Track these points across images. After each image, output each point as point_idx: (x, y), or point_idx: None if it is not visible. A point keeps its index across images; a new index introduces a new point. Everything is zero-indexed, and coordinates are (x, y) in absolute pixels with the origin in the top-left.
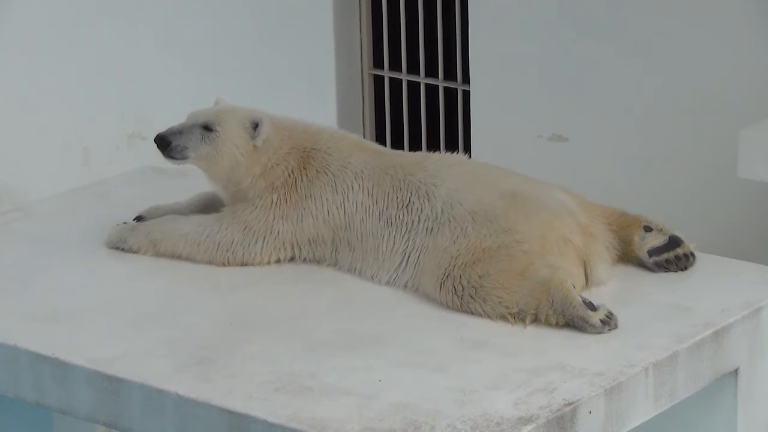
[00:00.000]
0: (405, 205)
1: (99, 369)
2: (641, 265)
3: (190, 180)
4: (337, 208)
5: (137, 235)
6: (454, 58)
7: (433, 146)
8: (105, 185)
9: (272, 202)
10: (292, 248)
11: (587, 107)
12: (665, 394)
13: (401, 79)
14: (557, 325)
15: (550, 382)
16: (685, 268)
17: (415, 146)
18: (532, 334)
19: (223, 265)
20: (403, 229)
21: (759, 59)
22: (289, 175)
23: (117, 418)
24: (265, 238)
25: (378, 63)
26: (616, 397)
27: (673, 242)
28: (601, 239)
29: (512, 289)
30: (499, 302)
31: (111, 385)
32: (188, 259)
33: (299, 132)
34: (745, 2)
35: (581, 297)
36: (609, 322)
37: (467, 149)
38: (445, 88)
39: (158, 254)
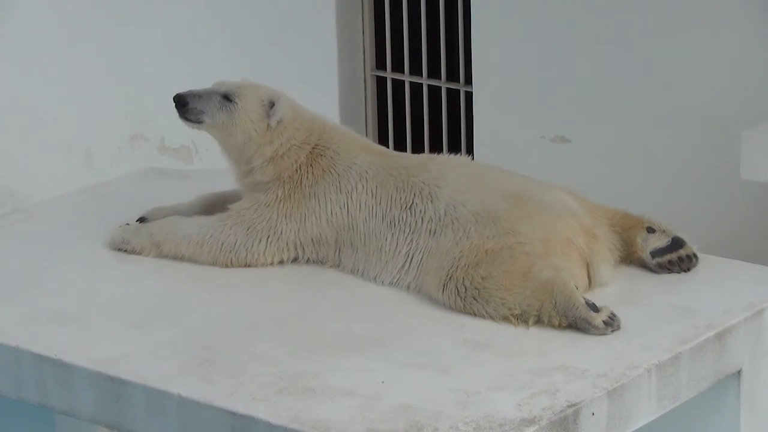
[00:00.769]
0: (408, 207)
1: (102, 370)
2: (644, 266)
3: (192, 181)
4: (340, 208)
5: (140, 237)
6: (456, 59)
7: (435, 147)
8: (108, 187)
9: (277, 198)
10: (296, 249)
11: (590, 108)
12: (668, 396)
13: (404, 81)
14: (560, 327)
15: (552, 384)
16: (688, 270)
17: (417, 147)
18: (534, 335)
19: (226, 266)
20: (407, 231)
21: (762, 61)
22: (296, 170)
23: (120, 420)
24: (268, 238)
25: (380, 64)
26: (619, 399)
27: (676, 243)
28: (604, 240)
29: (515, 291)
30: (502, 303)
31: (114, 387)
32: (191, 260)
33: (317, 127)
34: (748, 4)
35: (584, 298)
36: (612, 324)
37: (470, 150)
38: (448, 90)
39: (161, 255)
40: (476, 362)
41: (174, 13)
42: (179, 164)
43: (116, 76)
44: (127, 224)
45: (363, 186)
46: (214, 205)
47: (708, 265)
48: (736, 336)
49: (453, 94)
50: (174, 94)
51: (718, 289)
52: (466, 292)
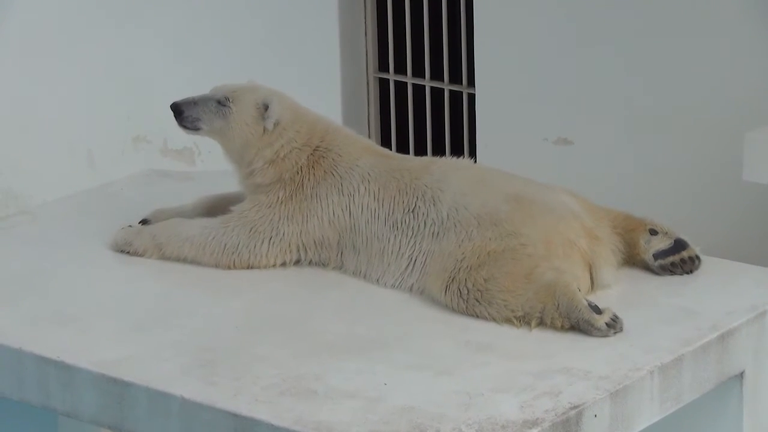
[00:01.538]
0: (411, 210)
1: (104, 372)
2: (646, 268)
3: (195, 183)
4: (342, 210)
5: (142, 239)
6: (459, 61)
7: (438, 149)
8: (110, 188)
9: (278, 199)
10: (298, 250)
11: (592, 110)
12: (671, 397)
13: (406, 83)
14: (562, 329)
15: (555, 386)
16: (691, 271)
17: (420, 149)
18: (537, 337)
19: (229, 268)
20: (409, 233)
21: (764, 62)
22: (297, 172)
23: (122, 421)
24: (270, 239)
25: (383, 66)
26: (622, 401)
27: (679, 245)
28: (606, 242)
29: (517, 293)
30: (505, 305)
31: (116, 388)
32: (194, 262)
33: (319, 129)
34: (750, 5)
35: (586, 300)
36: (614, 325)
37: (472, 152)
38: (451, 92)
39: (163, 257)
40: (479, 364)
41: (176, 14)
42: (182, 166)
43: (118, 77)
44: (130, 226)
45: (365, 188)
46: (217, 207)
47: (710, 266)
48: (738, 338)
49: (456, 96)
50: (171, 103)
51: (720, 291)
52: (469, 294)
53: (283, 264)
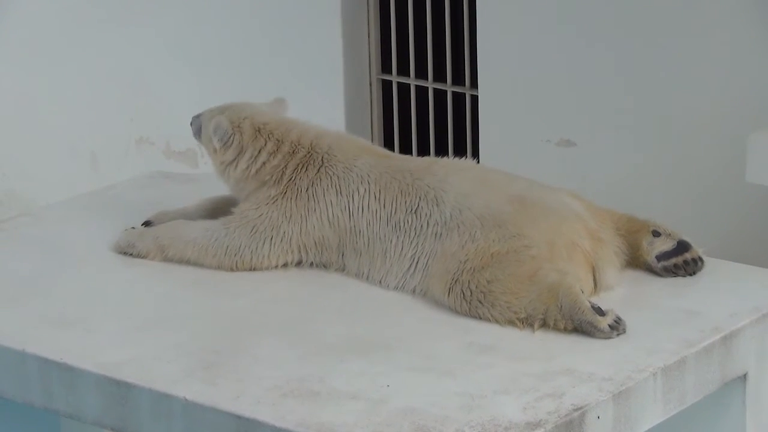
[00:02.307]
0: (414, 210)
1: (107, 374)
2: (649, 269)
3: (198, 185)
4: (342, 210)
5: (145, 240)
6: (462, 62)
7: (441, 151)
8: (113, 190)
9: (270, 197)
10: (299, 251)
11: (595, 112)
12: (674, 399)
13: (409, 84)
14: (565, 330)
15: (558, 387)
16: (694, 273)
17: (423, 151)
18: (540, 338)
19: (231, 269)
20: (412, 234)
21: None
22: (282, 174)
23: (125, 423)
24: (272, 239)
25: (386, 68)
26: (625, 402)
27: (682, 247)
28: (609, 244)
29: (521, 294)
30: (508, 307)
31: (119, 390)
32: (196, 263)
33: (295, 133)
34: (752, 7)
35: (589, 302)
36: (617, 327)
37: (475, 154)
38: (453, 93)
39: (166, 259)
40: (482, 366)
41: (179, 17)
42: (185, 168)
43: (122, 79)
44: (133, 228)
45: (365, 188)
46: (220, 209)
47: (714, 268)
48: (741, 339)
49: (458, 98)
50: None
51: (723, 292)
52: (472, 296)
53: (285, 265)
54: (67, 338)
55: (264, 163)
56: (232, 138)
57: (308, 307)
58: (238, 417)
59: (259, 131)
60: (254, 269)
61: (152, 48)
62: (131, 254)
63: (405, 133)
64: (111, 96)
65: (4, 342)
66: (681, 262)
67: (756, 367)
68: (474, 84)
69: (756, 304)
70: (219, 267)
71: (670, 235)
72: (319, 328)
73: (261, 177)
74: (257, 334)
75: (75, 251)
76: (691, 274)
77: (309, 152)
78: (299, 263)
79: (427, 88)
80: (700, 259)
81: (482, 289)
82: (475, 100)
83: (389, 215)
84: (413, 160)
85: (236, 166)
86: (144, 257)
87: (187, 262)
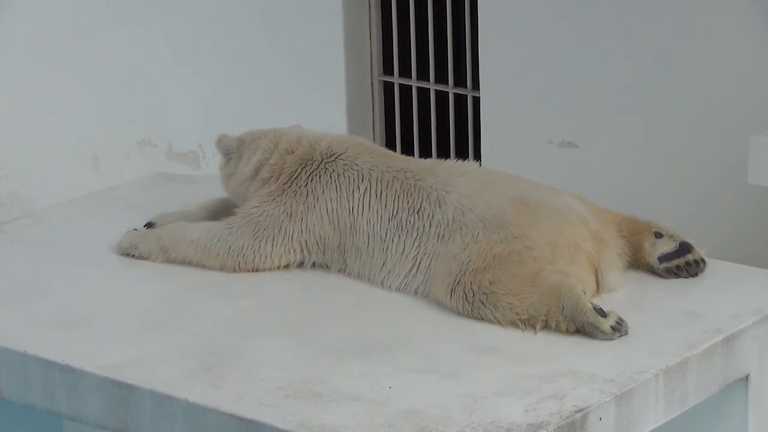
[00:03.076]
0: (416, 211)
1: (109, 375)
2: (652, 271)
3: (200, 186)
4: (342, 208)
5: (148, 242)
6: (464, 64)
7: (443, 153)
8: (115, 192)
9: (271, 193)
10: (302, 250)
11: (597, 113)
12: (676, 401)
13: (411, 86)
14: (567, 332)
15: (560, 389)
16: (696, 275)
17: (425, 153)
18: (542, 340)
19: (234, 270)
20: (414, 235)
21: None
22: (281, 171)
23: (127, 425)
24: (274, 238)
25: (388, 70)
26: (627, 404)
27: (684, 248)
28: (612, 245)
29: (523, 296)
30: (510, 308)
31: (121, 392)
32: (199, 265)
33: (293, 134)
34: (755, 7)
35: (592, 303)
36: (619, 329)
37: (477, 156)
38: (455, 95)
39: (169, 260)
40: (484, 367)
41: (181, 19)
42: (187, 169)
43: (124, 81)
44: (135, 229)
45: (366, 187)
46: (222, 210)
47: (715, 269)
48: (743, 341)
49: (460, 99)
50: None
51: (725, 293)
52: (474, 297)
53: (287, 265)
54: (69, 340)
55: (262, 162)
56: (234, 149)
57: (310, 308)
58: (240, 419)
59: (258, 136)
60: (257, 270)
61: (154, 50)
62: (133, 256)
63: (407, 135)
64: (113, 98)
65: (6, 344)
66: (683, 263)
67: (758, 368)
68: (476, 85)
69: (758, 306)
70: (222, 268)
71: (672, 236)
72: (321, 329)
73: (261, 177)
74: (259, 336)
75: (77, 253)
76: (693, 276)
77: (308, 150)
78: (301, 264)
79: (429, 89)
80: (702, 260)
81: (484, 291)
82: (476, 101)
83: (391, 215)
84: (416, 162)
85: (237, 170)
86: (146, 259)
87: (190, 264)
